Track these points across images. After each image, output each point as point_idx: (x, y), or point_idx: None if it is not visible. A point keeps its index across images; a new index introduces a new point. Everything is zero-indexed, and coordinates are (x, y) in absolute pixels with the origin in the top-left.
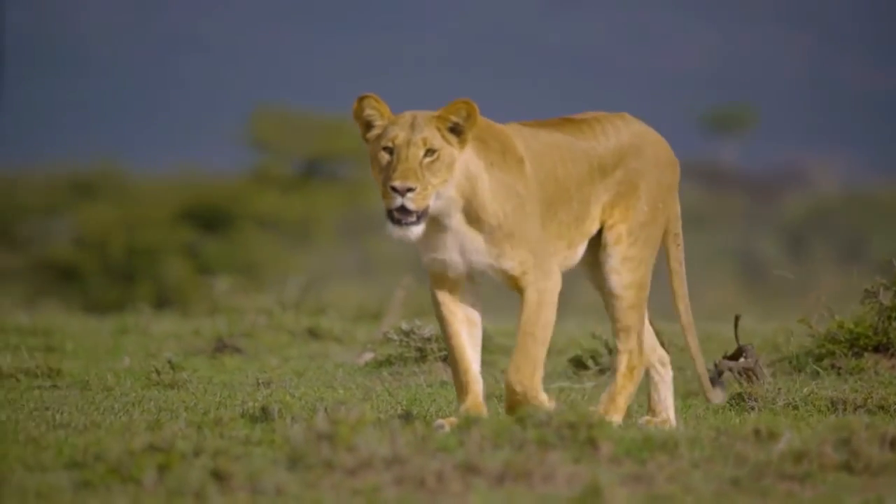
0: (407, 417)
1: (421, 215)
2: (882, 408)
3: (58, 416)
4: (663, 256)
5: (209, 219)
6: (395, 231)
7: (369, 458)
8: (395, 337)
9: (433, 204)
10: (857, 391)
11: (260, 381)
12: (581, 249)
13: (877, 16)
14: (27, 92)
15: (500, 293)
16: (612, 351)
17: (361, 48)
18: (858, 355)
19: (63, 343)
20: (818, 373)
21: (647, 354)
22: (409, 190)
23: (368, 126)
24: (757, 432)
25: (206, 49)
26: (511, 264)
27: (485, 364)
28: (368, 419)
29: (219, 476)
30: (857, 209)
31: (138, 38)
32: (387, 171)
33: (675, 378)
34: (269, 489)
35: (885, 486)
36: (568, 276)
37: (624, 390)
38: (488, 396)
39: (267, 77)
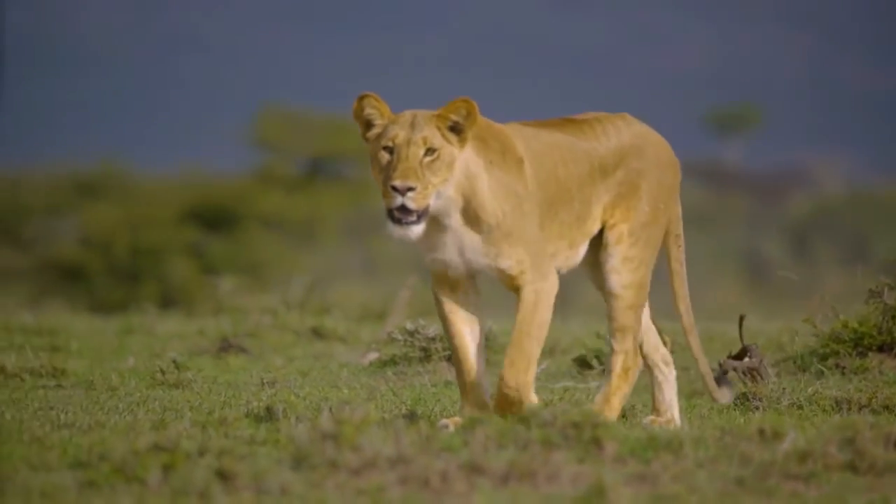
0: (411, 417)
1: (421, 214)
2: (886, 407)
3: (62, 416)
4: (664, 257)
5: (214, 219)
6: (396, 230)
7: (374, 458)
8: (400, 337)
9: (433, 203)
10: (861, 391)
11: (264, 380)
12: (583, 249)
13: (878, 15)
14: (27, 92)
15: (504, 293)
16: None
17: (362, 48)
18: (863, 355)
19: (68, 343)
20: (823, 372)
21: (650, 354)
22: (410, 189)
23: (368, 125)
24: (761, 432)
25: (206, 49)
26: (509, 263)
27: (490, 364)
28: (373, 419)
29: (223, 476)
30: (861, 209)
31: (138, 38)
32: (387, 171)
33: (679, 378)
34: (273, 489)
35: (889, 486)
36: (572, 277)
37: (619, 391)
38: (491, 396)
39: (268, 77)
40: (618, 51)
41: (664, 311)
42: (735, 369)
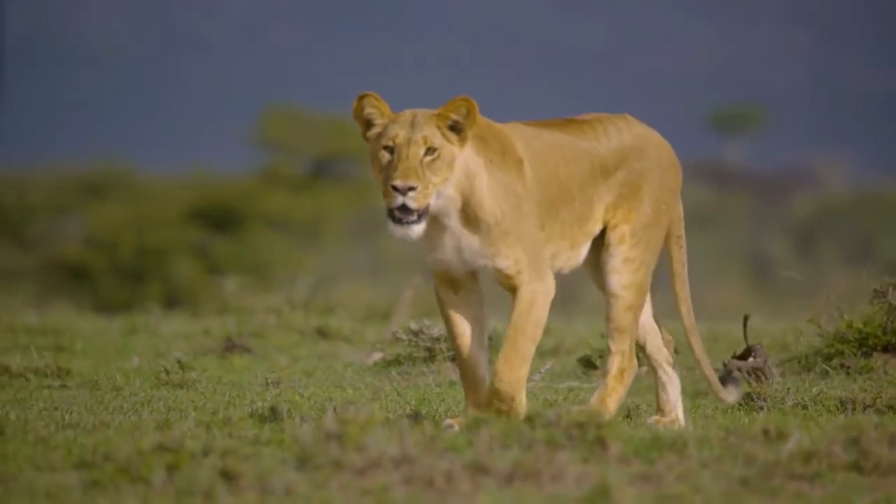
0: (416, 417)
1: (422, 214)
2: (891, 407)
3: (67, 416)
4: (666, 258)
5: (218, 219)
6: (397, 230)
7: (378, 458)
8: (404, 337)
9: (434, 203)
10: (866, 391)
11: (269, 380)
12: (584, 250)
13: (881, 15)
14: (27, 92)
15: (507, 293)
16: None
17: (363, 48)
18: (867, 355)
19: (72, 343)
20: (827, 372)
21: (653, 354)
22: (411, 189)
23: (368, 125)
24: (766, 432)
25: (206, 49)
26: (506, 263)
27: (493, 363)
28: (377, 419)
29: (228, 476)
30: (866, 209)
31: (137, 38)
32: (387, 170)
33: (683, 378)
34: (278, 489)
35: (894, 486)
36: (577, 277)
37: (614, 393)
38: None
39: (269, 77)
40: (619, 51)
41: (665, 312)
42: (739, 369)
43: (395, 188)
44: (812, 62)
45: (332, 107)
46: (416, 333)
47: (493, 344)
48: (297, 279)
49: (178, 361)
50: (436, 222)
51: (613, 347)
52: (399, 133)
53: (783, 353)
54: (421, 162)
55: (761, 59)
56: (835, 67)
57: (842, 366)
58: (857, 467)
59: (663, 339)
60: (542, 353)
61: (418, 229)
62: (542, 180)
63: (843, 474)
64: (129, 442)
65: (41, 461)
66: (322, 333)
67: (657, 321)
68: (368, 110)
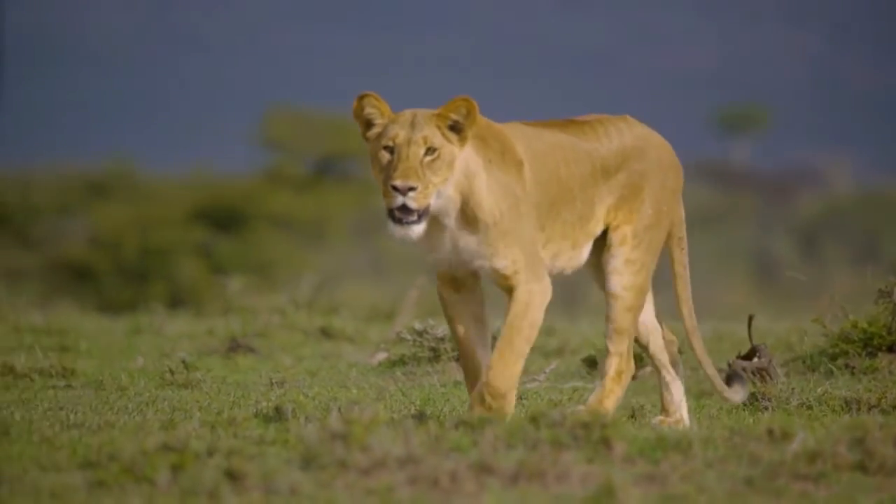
0: (420, 417)
1: (422, 214)
2: None
3: (72, 416)
4: (667, 260)
5: (222, 219)
6: (397, 230)
7: (383, 458)
8: (409, 337)
9: (434, 203)
10: (871, 391)
11: (273, 380)
12: (586, 250)
13: (885, 14)
14: (27, 92)
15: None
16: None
17: (364, 48)
18: (872, 355)
19: (77, 343)
20: (832, 372)
21: (657, 355)
22: (411, 189)
23: (368, 125)
24: (771, 432)
25: (206, 49)
26: (504, 263)
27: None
28: (382, 419)
29: (233, 476)
30: (871, 209)
31: (138, 38)
32: (388, 171)
33: (688, 378)
34: (282, 489)
35: None
36: (582, 277)
37: (612, 394)
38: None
39: (270, 77)
40: (619, 51)
41: (667, 313)
42: (744, 369)
43: (395, 188)
44: (816, 62)
45: (333, 107)
46: (420, 333)
47: (495, 344)
48: (301, 279)
49: (183, 361)
50: (435, 222)
51: (612, 349)
52: (399, 133)
53: (788, 353)
54: (421, 162)
55: (764, 58)
56: (839, 67)
57: (846, 366)
58: (861, 467)
59: (667, 339)
60: (546, 354)
61: (418, 229)
62: (543, 180)
63: (848, 474)
64: (133, 442)
65: (46, 461)
66: (326, 333)
67: (660, 321)
68: (368, 110)
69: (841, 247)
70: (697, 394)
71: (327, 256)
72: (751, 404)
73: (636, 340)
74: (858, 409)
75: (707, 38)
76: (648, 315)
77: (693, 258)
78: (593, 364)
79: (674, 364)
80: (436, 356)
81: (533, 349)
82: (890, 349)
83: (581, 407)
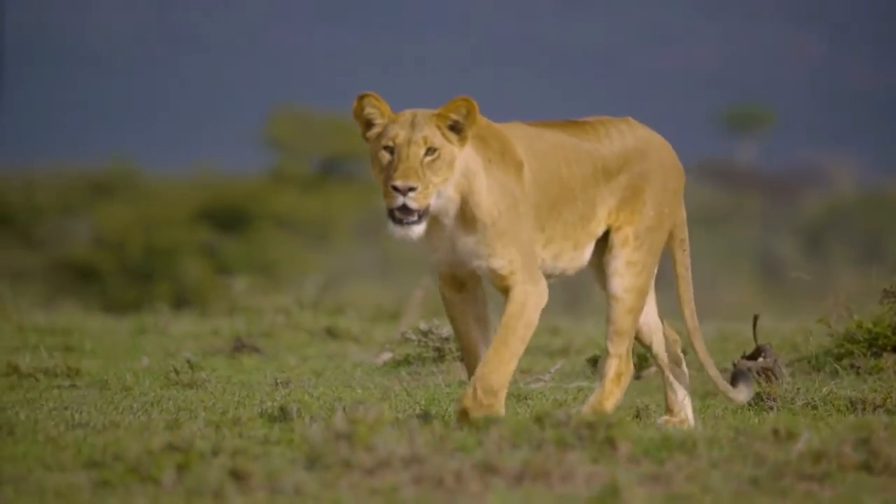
0: (425, 417)
1: (422, 214)
2: None
3: (76, 416)
4: (669, 261)
5: (227, 218)
6: (397, 231)
7: (387, 458)
8: (414, 337)
9: (434, 203)
10: (876, 391)
11: (278, 380)
12: (588, 251)
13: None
14: (27, 92)
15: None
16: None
17: (364, 48)
18: (877, 355)
19: (82, 343)
20: (837, 372)
21: (660, 354)
22: (411, 189)
23: (368, 125)
24: (776, 432)
25: (206, 49)
26: (501, 263)
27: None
28: (386, 419)
29: (237, 475)
30: (875, 209)
31: (139, 38)
32: (388, 171)
33: (693, 378)
34: (287, 489)
35: None
36: (585, 278)
37: (611, 396)
38: (507, 395)
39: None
40: (620, 51)
41: (669, 314)
42: (749, 369)
43: (395, 188)
44: (818, 62)
45: (333, 107)
46: (425, 333)
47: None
48: (306, 279)
49: (188, 361)
50: (434, 222)
51: (612, 350)
52: (399, 133)
53: (793, 353)
54: (421, 162)
55: (766, 58)
56: (841, 67)
57: (852, 366)
58: (866, 467)
59: (670, 338)
60: (551, 353)
61: (419, 230)
62: (544, 180)
63: (853, 474)
64: (138, 442)
65: (51, 461)
66: (331, 333)
67: (662, 321)
68: (368, 110)
69: (845, 247)
70: (702, 394)
71: (332, 256)
72: (756, 404)
73: (640, 340)
74: (863, 409)
75: (708, 38)
76: (651, 315)
77: (698, 258)
78: (598, 364)
79: (677, 363)
80: (441, 356)
81: (538, 349)
82: (895, 349)
83: (581, 409)
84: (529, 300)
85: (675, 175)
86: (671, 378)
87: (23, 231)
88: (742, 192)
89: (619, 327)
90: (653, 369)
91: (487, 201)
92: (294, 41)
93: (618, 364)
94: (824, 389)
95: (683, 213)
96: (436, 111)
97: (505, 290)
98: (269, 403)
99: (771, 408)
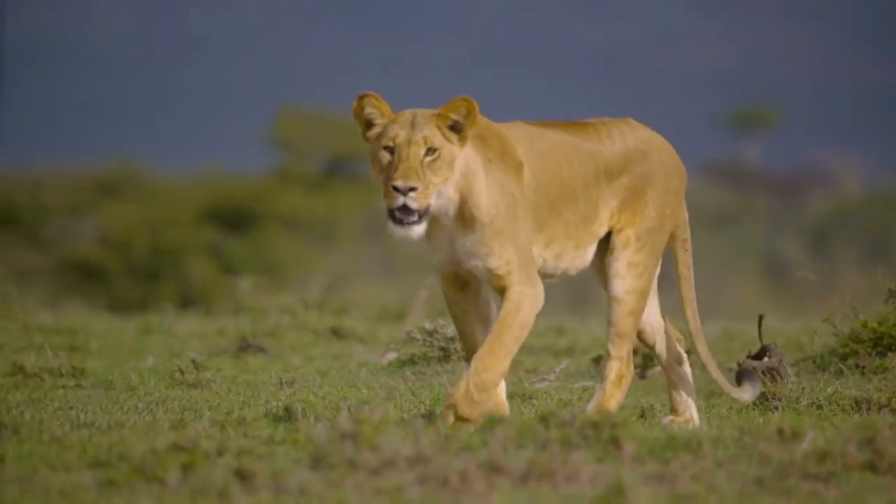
0: (430, 417)
1: (423, 214)
2: None
3: (82, 416)
4: (671, 261)
5: (232, 218)
6: (397, 231)
7: (392, 458)
8: (419, 336)
9: (434, 203)
10: (881, 391)
11: (283, 380)
12: (590, 251)
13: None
14: (27, 92)
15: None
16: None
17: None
18: (882, 355)
19: (87, 342)
20: (842, 372)
21: (663, 354)
22: (411, 189)
23: (369, 125)
24: (781, 432)
25: (207, 49)
26: (498, 263)
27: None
28: (392, 419)
29: (242, 475)
30: (881, 209)
31: (139, 38)
32: (388, 171)
33: (698, 378)
34: (292, 488)
35: None
36: (590, 277)
37: (612, 398)
38: (510, 395)
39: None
40: (623, 51)
41: (671, 315)
42: (754, 369)
43: (395, 189)
44: (824, 61)
45: (332, 107)
46: (430, 333)
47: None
48: (311, 279)
49: (193, 361)
50: (434, 222)
51: (613, 352)
52: (399, 133)
53: (798, 352)
54: (421, 162)
55: (771, 58)
56: (844, 67)
57: (857, 365)
58: (872, 467)
59: (673, 337)
60: (556, 353)
61: (419, 230)
62: (545, 180)
63: (858, 474)
64: (143, 441)
65: (56, 461)
66: (336, 333)
67: (665, 320)
68: (368, 110)
69: (851, 246)
70: (707, 394)
71: (337, 256)
72: (761, 404)
73: (643, 341)
74: (868, 409)
75: (711, 38)
76: (654, 315)
77: (703, 258)
78: None
79: (681, 363)
80: (446, 356)
81: (543, 348)
82: None
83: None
84: (525, 301)
85: (677, 176)
86: (675, 378)
87: (29, 231)
88: (747, 192)
89: (621, 329)
90: (657, 369)
91: (486, 201)
92: (294, 41)
93: (619, 366)
94: (829, 389)
95: (685, 214)
96: (436, 111)
97: (501, 291)
98: (273, 403)
99: (776, 407)
